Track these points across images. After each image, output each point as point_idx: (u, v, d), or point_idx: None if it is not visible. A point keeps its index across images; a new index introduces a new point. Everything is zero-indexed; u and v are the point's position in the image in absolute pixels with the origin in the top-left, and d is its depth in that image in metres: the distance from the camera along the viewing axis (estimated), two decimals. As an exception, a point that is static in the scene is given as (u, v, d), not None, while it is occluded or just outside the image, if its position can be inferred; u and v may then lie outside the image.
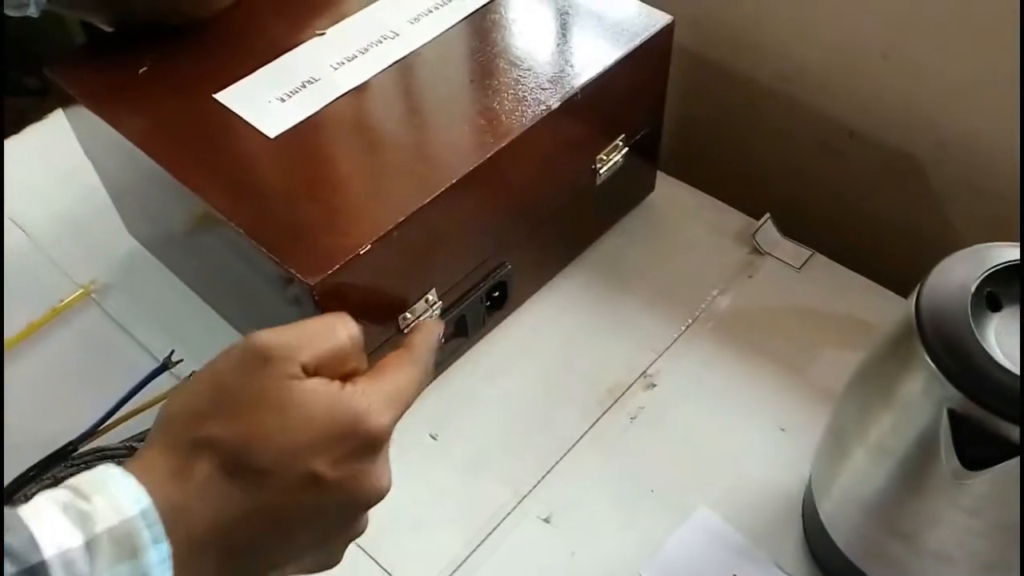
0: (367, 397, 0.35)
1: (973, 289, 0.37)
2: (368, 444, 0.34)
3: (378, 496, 0.36)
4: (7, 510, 0.30)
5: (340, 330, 0.36)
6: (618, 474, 0.54)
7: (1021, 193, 0.58)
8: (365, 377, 0.36)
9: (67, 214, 0.70)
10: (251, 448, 0.33)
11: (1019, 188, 0.59)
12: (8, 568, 0.28)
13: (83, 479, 0.31)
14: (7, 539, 0.29)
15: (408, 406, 0.37)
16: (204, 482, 0.32)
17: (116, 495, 0.30)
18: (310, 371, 0.34)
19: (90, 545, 0.29)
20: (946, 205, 0.67)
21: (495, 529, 0.52)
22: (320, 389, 0.34)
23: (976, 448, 0.36)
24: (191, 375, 0.36)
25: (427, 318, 0.53)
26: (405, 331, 0.51)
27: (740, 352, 0.59)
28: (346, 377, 0.35)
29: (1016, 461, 0.35)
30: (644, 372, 0.58)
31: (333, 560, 0.38)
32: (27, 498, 0.31)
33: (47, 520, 0.29)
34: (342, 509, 0.35)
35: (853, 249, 0.66)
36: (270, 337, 0.35)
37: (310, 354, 0.35)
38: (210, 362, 0.35)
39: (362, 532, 0.38)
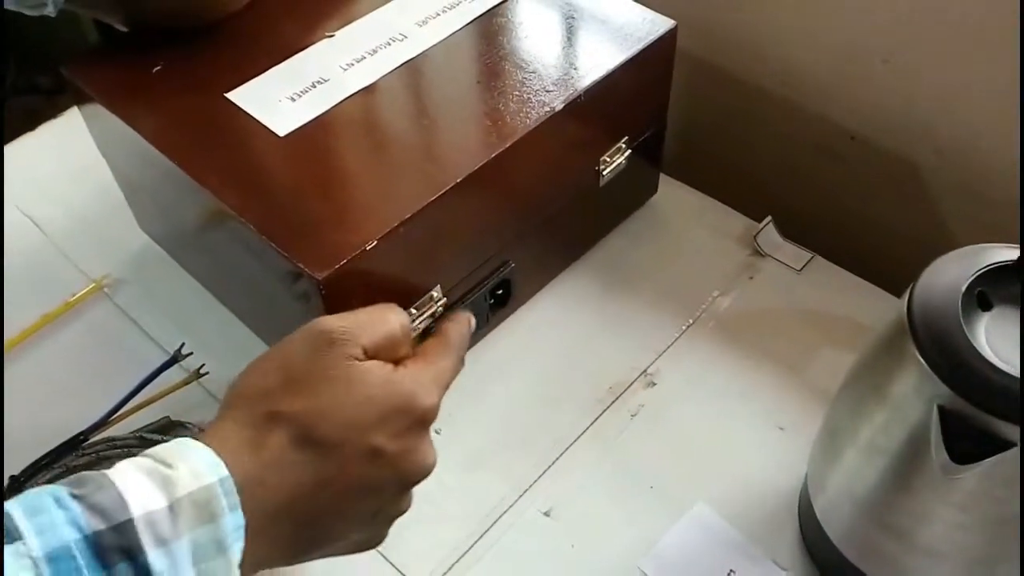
0: (417, 378, 0.39)
1: (964, 289, 0.38)
2: (420, 420, 0.38)
3: (426, 471, 0.39)
4: (94, 473, 0.31)
5: (393, 319, 0.40)
6: (618, 470, 0.55)
7: (1021, 195, 0.59)
8: (412, 361, 0.40)
9: (81, 210, 0.71)
10: (320, 421, 0.35)
11: (1019, 189, 0.59)
12: (97, 523, 0.30)
13: (164, 448, 0.33)
14: (97, 497, 0.30)
15: (448, 388, 0.41)
16: (277, 453, 0.34)
17: (196, 463, 0.32)
18: (368, 354, 0.38)
19: (173, 507, 0.31)
20: (944, 209, 0.68)
21: (497, 521, 0.53)
22: (377, 370, 0.37)
23: (965, 443, 0.36)
24: (260, 356, 0.38)
25: (450, 311, 0.54)
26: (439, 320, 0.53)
27: (740, 352, 0.60)
28: (398, 361, 0.39)
29: (1004, 457, 0.36)
30: (645, 371, 0.59)
31: (379, 537, 0.41)
32: (37, 486, 0.32)
33: (133, 482, 0.31)
34: (397, 482, 0.38)
35: (853, 252, 0.66)
36: (334, 322, 0.38)
37: (368, 339, 0.38)
38: (277, 344, 0.38)
39: (407, 509, 0.40)
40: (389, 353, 0.39)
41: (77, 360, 0.62)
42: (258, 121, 0.53)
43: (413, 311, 0.52)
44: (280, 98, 0.54)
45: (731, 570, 0.51)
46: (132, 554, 0.30)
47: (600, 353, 0.60)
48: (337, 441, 0.35)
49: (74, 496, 0.30)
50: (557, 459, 0.55)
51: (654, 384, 0.59)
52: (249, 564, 0.33)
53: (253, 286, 0.56)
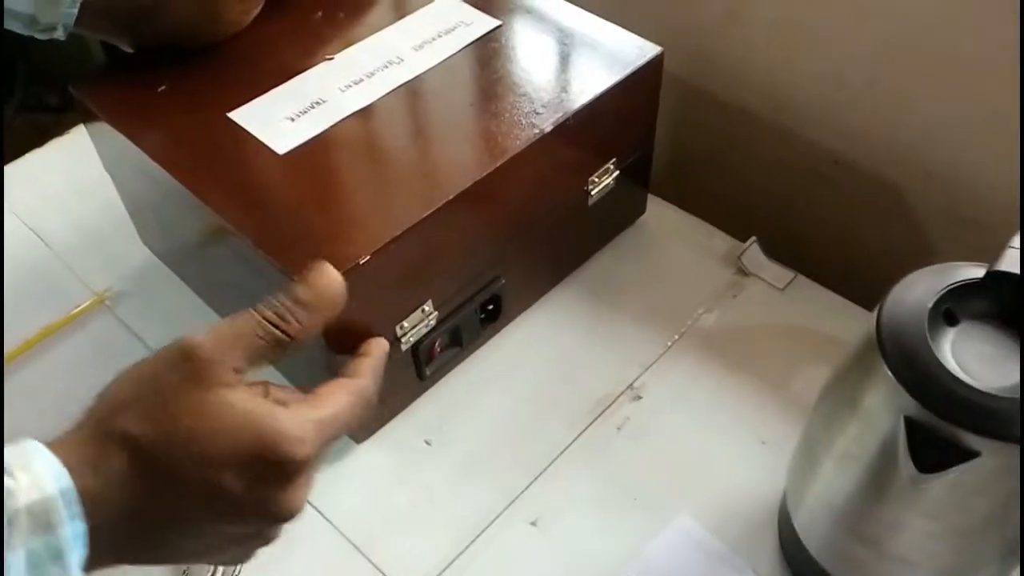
0: (294, 421, 0.34)
1: (931, 305, 0.40)
2: (285, 470, 0.34)
3: (286, 519, 0.36)
4: None
5: (254, 328, 0.36)
6: (603, 482, 0.56)
7: (1021, 196, 0.60)
8: (299, 401, 0.36)
9: (85, 224, 0.73)
10: (166, 450, 0.33)
11: (1019, 187, 0.60)
12: None
13: (10, 453, 0.32)
14: None
15: (341, 433, 0.37)
16: (116, 476, 0.33)
17: (40, 472, 0.31)
18: (244, 368, 0.35)
19: (10, 520, 0.30)
20: (927, 231, 0.69)
21: (484, 531, 0.54)
22: (242, 403, 0.34)
23: (931, 454, 0.38)
24: (126, 368, 0.36)
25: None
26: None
27: (723, 368, 0.61)
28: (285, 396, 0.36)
29: (969, 467, 0.37)
30: (631, 385, 0.61)
31: (243, 559, 0.39)
32: None
33: None
34: (248, 523, 0.35)
35: (836, 272, 0.68)
36: (202, 340, 0.35)
37: (242, 356, 0.35)
38: (144, 359, 0.35)
39: (274, 539, 0.38)
40: (271, 356, 0.36)
41: (78, 371, 0.63)
42: (259, 140, 0.55)
43: (405, 324, 0.54)
44: (280, 118, 0.56)
45: (712, 580, 0.52)
46: None
47: (588, 367, 0.62)
48: (180, 474, 0.33)
49: None
50: (544, 470, 0.57)
51: (640, 398, 0.60)
52: (98, 564, 0.33)
53: (251, 299, 0.57)
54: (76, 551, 0.32)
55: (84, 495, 0.32)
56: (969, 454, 0.37)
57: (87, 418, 0.35)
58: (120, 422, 0.33)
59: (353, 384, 0.39)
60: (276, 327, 0.37)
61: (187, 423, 0.33)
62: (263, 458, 0.34)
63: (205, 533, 0.35)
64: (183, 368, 0.34)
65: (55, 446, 0.33)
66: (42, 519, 0.31)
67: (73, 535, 0.32)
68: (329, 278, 0.39)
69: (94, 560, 0.33)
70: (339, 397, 0.38)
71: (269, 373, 0.40)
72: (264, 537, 0.37)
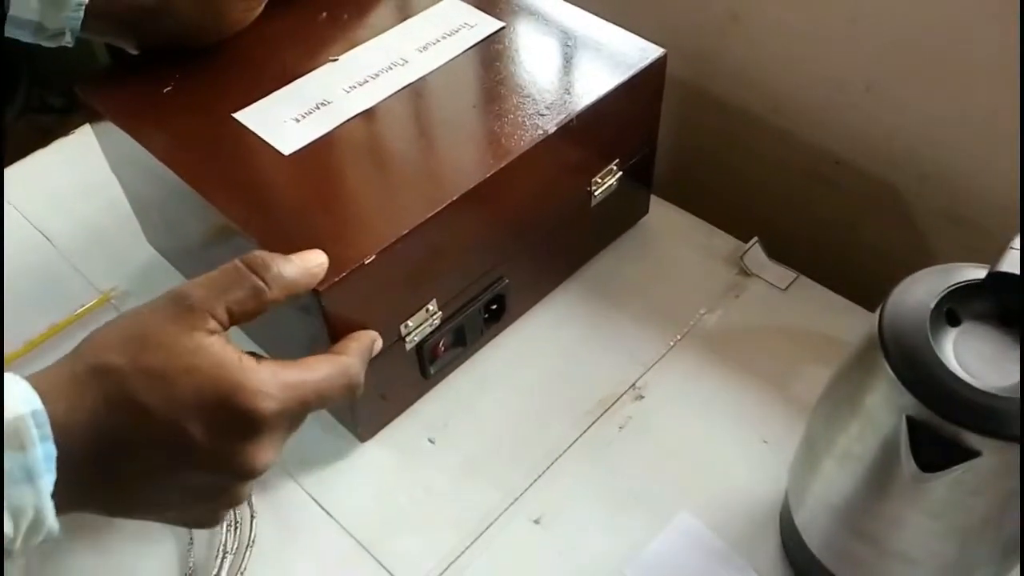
0: (260, 376, 0.36)
1: (933, 305, 0.40)
2: (247, 423, 0.35)
3: (249, 475, 0.36)
4: None
5: (247, 280, 0.38)
6: (606, 480, 0.56)
7: (1021, 197, 0.60)
8: (273, 362, 0.37)
9: (90, 224, 0.73)
10: (136, 382, 0.34)
11: (1019, 188, 0.61)
12: None
13: None
14: None
15: (315, 402, 0.38)
16: (87, 405, 0.34)
17: (10, 395, 0.32)
18: (229, 322, 0.37)
19: None
20: (926, 232, 0.70)
21: (487, 528, 0.54)
22: (220, 351, 0.35)
23: (932, 452, 0.38)
24: (120, 314, 0.38)
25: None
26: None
27: (725, 367, 0.62)
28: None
29: (970, 466, 0.38)
30: (633, 384, 0.61)
31: (210, 521, 0.39)
32: None
33: None
34: (209, 475, 0.36)
35: (837, 272, 0.68)
36: (192, 287, 0.37)
37: (226, 305, 0.37)
38: (138, 305, 0.37)
39: (240, 502, 0.38)
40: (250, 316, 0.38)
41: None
42: (264, 140, 0.55)
43: (410, 323, 0.54)
44: (285, 119, 0.57)
45: (714, 578, 0.52)
46: None
47: (590, 367, 0.62)
48: (148, 412, 0.34)
49: None
50: (547, 469, 0.57)
51: (642, 397, 0.60)
52: (63, 504, 0.33)
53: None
54: (48, 475, 0.32)
55: (54, 420, 0.33)
56: (970, 453, 0.38)
57: (71, 353, 0.36)
58: (100, 355, 0.35)
59: (336, 359, 0.41)
60: (255, 273, 0.38)
61: (162, 360, 0.34)
62: (224, 406, 0.35)
63: (167, 484, 0.36)
64: (170, 311, 0.36)
65: (33, 375, 0.34)
66: (14, 438, 0.31)
67: (44, 456, 0.32)
68: (312, 253, 0.43)
69: (61, 497, 0.33)
70: (316, 365, 0.39)
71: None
72: (229, 496, 0.38)
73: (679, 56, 0.62)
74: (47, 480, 0.32)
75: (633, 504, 0.55)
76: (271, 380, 0.36)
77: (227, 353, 0.36)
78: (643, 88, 0.61)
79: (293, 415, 0.37)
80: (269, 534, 0.54)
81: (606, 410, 0.60)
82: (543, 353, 0.63)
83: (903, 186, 0.69)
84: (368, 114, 0.57)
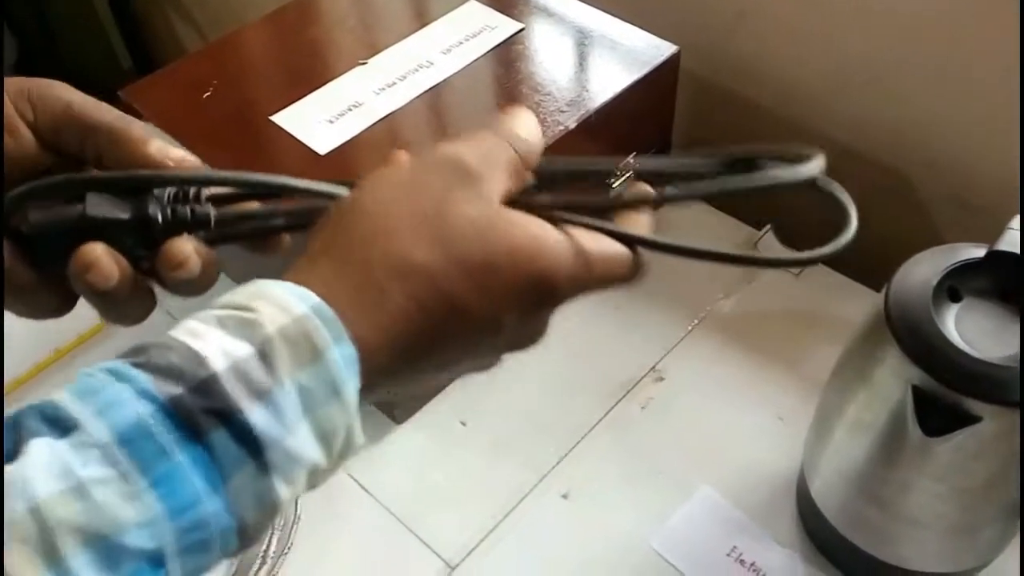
0: (575, 250, 0.30)
1: (935, 283, 0.43)
2: (558, 299, 0.31)
3: (531, 343, 0.32)
4: (152, 339, 0.26)
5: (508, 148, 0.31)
6: (629, 457, 0.59)
7: (1021, 181, 0.63)
8: (579, 232, 0.31)
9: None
10: (457, 280, 0.28)
11: (1020, 173, 0.63)
12: (171, 388, 0.24)
13: (235, 294, 0.27)
14: (164, 358, 0.25)
15: (607, 282, 0.33)
16: (395, 315, 0.28)
17: (279, 297, 0.26)
18: (507, 196, 0.30)
19: (263, 351, 0.25)
20: (934, 217, 0.72)
21: (519, 504, 0.58)
22: (532, 226, 0.29)
23: (936, 419, 0.41)
24: (360, 188, 0.31)
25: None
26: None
27: (741, 349, 0.64)
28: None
29: (971, 431, 0.41)
30: (654, 367, 0.64)
31: (491, 364, 0.33)
32: None
33: (205, 333, 0.25)
34: (506, 346, 0.31)
35: (848, 256, 0.71)
36: (467, 153, 0.30)
37: (507, 174, 0.30)
38: (383, 172, 0.31)
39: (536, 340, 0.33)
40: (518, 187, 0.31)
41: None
42: (300, 141, 0.59)
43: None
44: (319, 120, 0.60)
45: (734, 547, 0.55)
46: (225, 416, 0.24)
47: (613, 351, 0.65)
48: (470, 308, 0.28)
49: (136, 365, 0.25)
50: (574, 447, 0.60)
51: (662, 379, 0.63)
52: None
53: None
54: (351, 381, 0.26)
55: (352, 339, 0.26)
56: (972, 419, 0.40)
57: (340, 246, 0.28)
58: (400, 250, 0.28)
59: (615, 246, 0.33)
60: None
61: (475, 249, 0.28)
62: (538, 290, 0.30)
63: (462, 364, 0.31)
64: (453, 183, 0.29)
65: (300, 279, 0.27)
66: (304, 344, 0.25)
67: (344, 358, 0.26)
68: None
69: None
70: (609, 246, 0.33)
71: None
72: (502, 352, 0.32)
73: (689, 52, 0.65)
74: (351, 388, 0.26)
75: (656, 479, 0.58)
76: (581, 257, 0.31)
77: (539, 228, 0.30)
78: (658, 83, 0.63)
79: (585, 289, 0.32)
80: (313, 511, 0.57)
81: (628, 391, 0.63)
82: (567, 338, 0.66)
83: (911, 173, 0.72)
84: (397, 114, 0.60)
